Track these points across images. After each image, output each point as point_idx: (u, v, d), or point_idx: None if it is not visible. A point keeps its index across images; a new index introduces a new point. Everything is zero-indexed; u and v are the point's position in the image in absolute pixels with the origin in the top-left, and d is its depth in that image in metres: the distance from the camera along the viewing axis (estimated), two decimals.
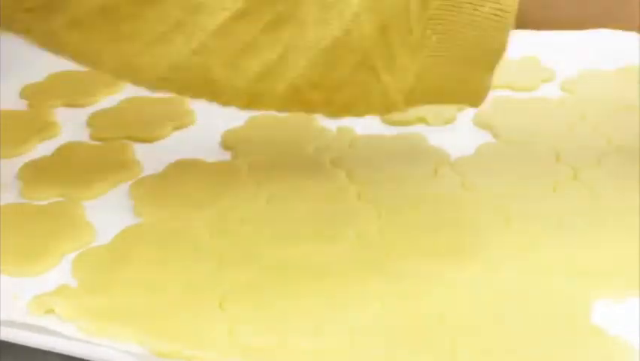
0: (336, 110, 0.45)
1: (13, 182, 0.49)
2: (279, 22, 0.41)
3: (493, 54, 0.42)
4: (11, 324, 0.39)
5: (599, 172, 0.48)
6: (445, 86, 0.43)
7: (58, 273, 0.42)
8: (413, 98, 0.44)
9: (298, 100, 0.43)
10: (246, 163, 0.50)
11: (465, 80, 0.43)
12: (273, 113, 0.55)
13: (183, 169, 0.50)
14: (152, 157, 0.50)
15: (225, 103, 0.44)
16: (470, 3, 0.40)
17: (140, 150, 0.52)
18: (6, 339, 0.38)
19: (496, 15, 0.40)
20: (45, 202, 0.47)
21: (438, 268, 0.41)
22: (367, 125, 0.53)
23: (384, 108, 0.44)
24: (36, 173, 0.50)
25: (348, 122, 0.53)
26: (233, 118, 0.54)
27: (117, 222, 0.45)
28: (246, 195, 0.47)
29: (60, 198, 0.47)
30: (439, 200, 0.46)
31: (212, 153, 0.51)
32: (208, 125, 0.54)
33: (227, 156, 0.51)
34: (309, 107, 0.45)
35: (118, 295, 0.40)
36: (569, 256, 0.42)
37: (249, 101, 0.44)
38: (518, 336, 0.37)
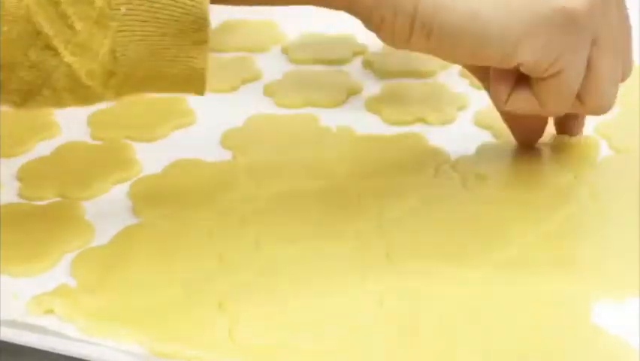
0: (17, 98, 0.39)
1: (12, 182, 0.49)
2: None
3: (193, 24, 0.37)
4: (11, 324, 0.39)
5: (599, 172, 0.48)
6: (152, 68, 0.39)
7: (58, 273, 0.42)
8: (117, 85, 0.39)
9: None
10: (245, 163, 0.50)
11: (172, 60, 0.39)
12: (273, 113, 0.56)
13: (183, 169, 0.49)
14: (152, 157, 0.50)
15: None
16: None
17: (140, 150, 0.51)
18: (5, 339, 0.38)
19: None
20: (44, 202, 0.47)
21: (438, 268, 0.41)
22: (367, 126, 0.53)
23: (82, 98, 0.39)
24: (35, 173, 0.50)
25: (348, 122, 0.53)
26: (234, 118, 0.54)
27: (116, 222, 0.45)
28: (246, 195, 0.47)
29: (59, 198, 0.47)
30: (440, 200, 0.46)
31: (212, 153, 0.51)
32: (208, 125, 0.54)
33: (227, 155, 0.51)
34: None
35: (117, 295, 0.40)
36: (569, 256, 0.42)
37: None
38: (518, 336, 0.37)
